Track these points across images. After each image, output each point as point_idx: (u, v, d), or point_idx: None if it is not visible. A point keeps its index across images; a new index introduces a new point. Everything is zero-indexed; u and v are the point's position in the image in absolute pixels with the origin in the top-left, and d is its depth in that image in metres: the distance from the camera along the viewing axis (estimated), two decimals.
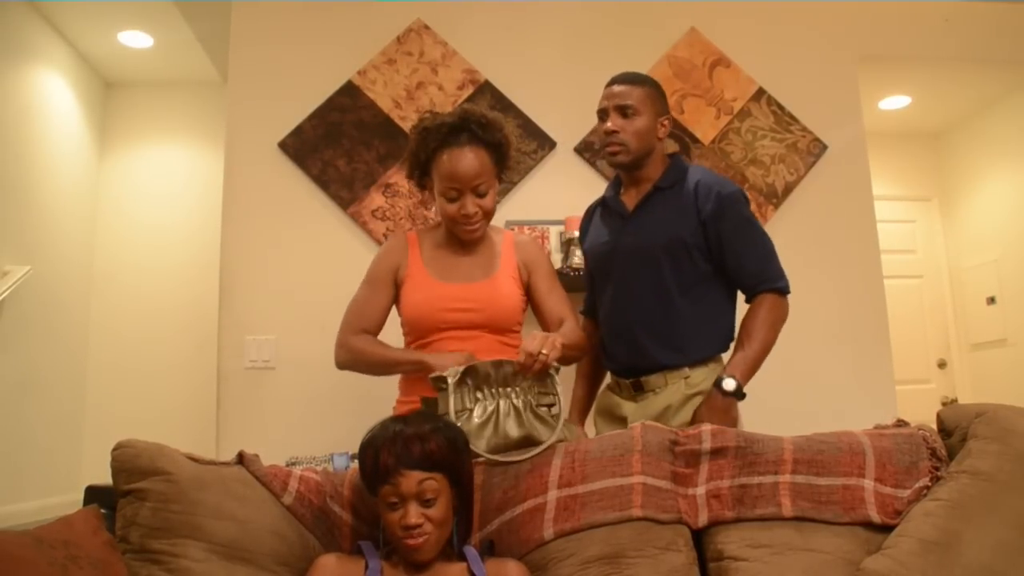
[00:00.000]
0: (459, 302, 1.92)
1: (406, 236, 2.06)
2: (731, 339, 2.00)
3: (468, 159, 1.87)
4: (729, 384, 1.85)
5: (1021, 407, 1.61)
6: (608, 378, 2.15)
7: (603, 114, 2.01)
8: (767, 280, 1.95)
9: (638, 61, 3.15)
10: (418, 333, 1.95)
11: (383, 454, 1.32)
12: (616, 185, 2.13)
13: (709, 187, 1.96)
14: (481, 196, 1.90)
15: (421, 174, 1.98)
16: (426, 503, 1.31)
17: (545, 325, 2.01)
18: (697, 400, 1.92)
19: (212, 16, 3.30)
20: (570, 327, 1.93)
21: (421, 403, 1.70)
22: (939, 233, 4.85)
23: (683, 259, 1.95)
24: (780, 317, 1.95)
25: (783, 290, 1.97)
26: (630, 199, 2.06)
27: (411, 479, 1.30)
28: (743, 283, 1.99)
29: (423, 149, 1.93)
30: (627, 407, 1.99)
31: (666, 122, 2.03)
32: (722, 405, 1.85)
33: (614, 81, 2.03)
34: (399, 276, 2.00)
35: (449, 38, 3.10)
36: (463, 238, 1.97)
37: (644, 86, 2.01)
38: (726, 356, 2.01)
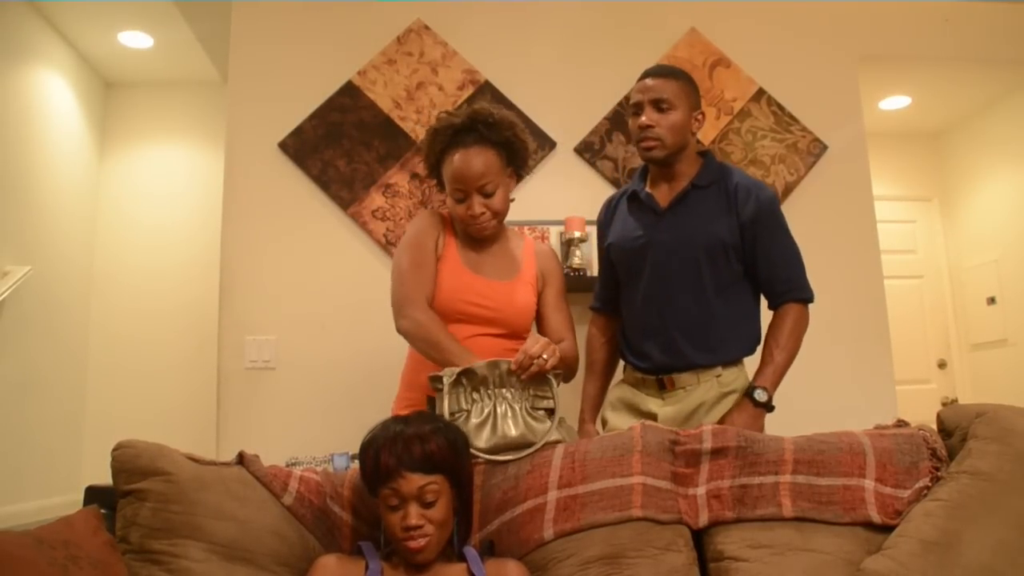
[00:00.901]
0: (481, 297, 1.92)
1: (440, 214, 2.04)
2: (758, 341, 1.99)
3: (473, 159, 1.87)
4: (762, 396, 1.87)
5: (1021, 407, 1.61)
6: (620, 373, 2.13)
7: (637, 108, 1.98)
8: (796, 289, 1.96)
9: (638, 61, 3.12)
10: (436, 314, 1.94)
11: (384, 455, 1.32)
12: (642, 178, 2.09)
13: (748, 189, 1.96)
14: (488, 196, 1.89)
15: (437, 174, 1.98)
16: (427, 505, 1.31)
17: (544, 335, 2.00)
18: (731, 399, 1.93)
19: (212, 16, 3.30)
20: (568, 347, 1.95)
21: (427, 404, 1.70)
22: (939, 233, 4.84)
23: (720, 259, 1.94)
24: (804, 327, 1.96)
25: (809, 300, 1.97)
26: (662, 195, 2.02)
27: (412, 481, 1.30)
28: (772, 289, 1.98)
29: (432, 151, 1.94)
30: (653, 403, 1.97)
31: (700, 116, 2.00)
32: (754, 414, 1.86)
33: (648, 74, 2.00)
34: (439, 249, 1.97)
35: (449, 38, 3.10)
36: (474, 235, 1.97)
37: (679, 80, 1.98)
38: (748, 359, 2.01)
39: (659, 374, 1.96)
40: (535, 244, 2.09)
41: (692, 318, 1.93)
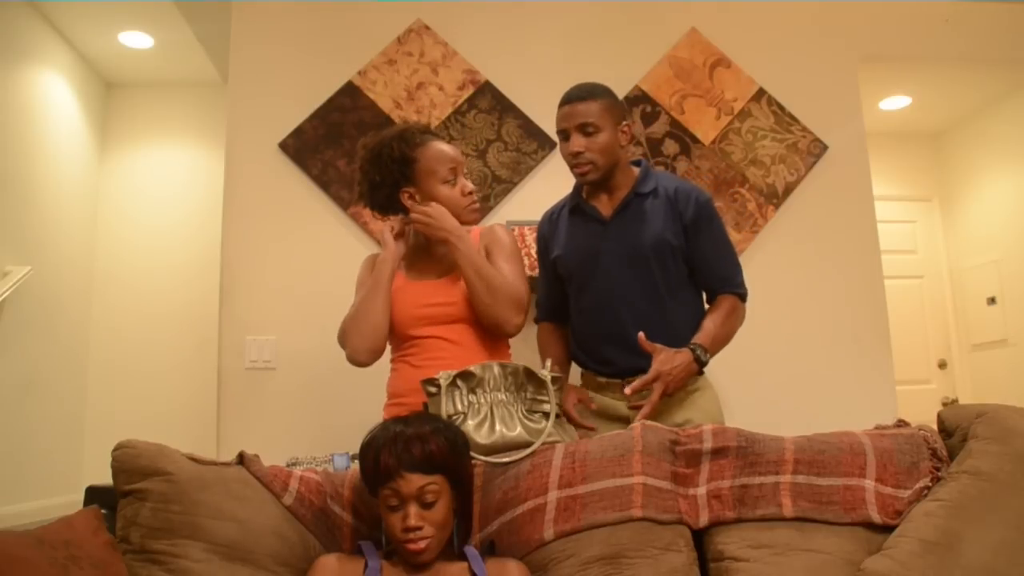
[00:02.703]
0: (433, 297, 1.94)
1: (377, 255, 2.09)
2: None
3: (451, 145, 2.00)
4: (703, 356, 1.91)
5: (1022, 407, 1.61)
6: (581, 378, 2.15)
7: (564, 134, 2.01)
8: (734, 285, 2.05)
9: (638, 61, 3.16)
10: (400, 334, 1.98)
11: (384, 455, 1.32)
12: (579, 191, 2.13)
13: (688, 193, 2.03)
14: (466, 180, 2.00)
15: (401, 183, 1.96)
16: (426, 505, 1.31)
17: None
18: (696, 395, 1.98)
19: (212, 16, 3.30)
20: (504, 278, 1.93)
21: (424, 407, 1.70)
22: (939, 233, 4.85)
23: (669, 261, 2.00)
24: (740, 318, 2.05)
25: (744, 296, 2.06)
26: (603, 205, 2.07)
27: (412, 482, 1.30)
28: (711, 284, 2.06)
29: (408, 146, 1.94)
30: (621, 406, 2.00)
31: (627, 128, 2.03)
32: (689, 365, 1.88)
33: (569, 99, 2.01)
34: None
35: (449, 38, 3.10)
36: (471, 220, 2.00)
37: (600, 99, 2.00)
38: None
39: (624, 377, 1.99)
40: (481, 228, 2.11)
41: (650, 320, 1.96)
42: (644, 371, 1.95)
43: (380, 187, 1.98)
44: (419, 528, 1.29)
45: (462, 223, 1.98)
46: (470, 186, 1.98)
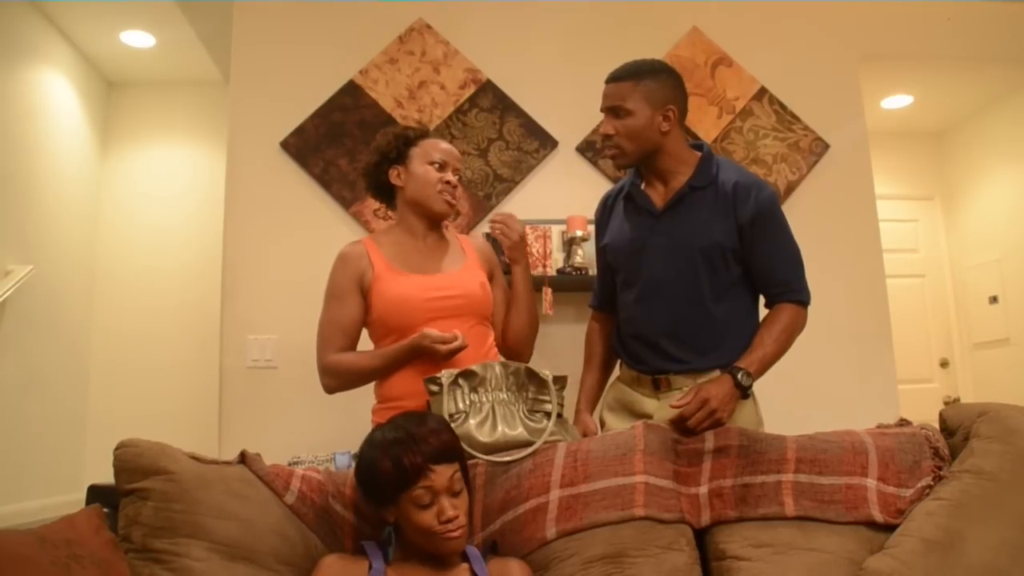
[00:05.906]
0: (439, 290, 1.92)
1: (362, 243, 2.02)
2: None
3: (453, 146, 2.06)
4: (746, 380, 1.77)
5: (1023, 406, 1.61)
6: (618, 370, 2.10)
7: (603, 114, 1.95)
8: (793, 291, 1.90)
9: None
10: (403, 329, 1.90)
11: (407, 456, 1.31)
12: (638, 175, 2.02)
13: (748, 189, 1.88)
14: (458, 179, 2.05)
15: (395, 159, 2.03)
16: (455, 494, 1.33)
17: (497, 332, 2.07)
18: None
19: (214, 16, 3.31)
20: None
21: (427, 405, 1.70)
22: (941, 232, 4.84)
23: (718, 263, 1.88)
24: (799, 328, 1.90)
25: (804, 302, 1.91)
26: (657, 195, 1.96)
27: (442, 473, 1.32)
28: (768, 289, 1.93)
29: (410, 132, 2.05)
30: (649, 404, 1.91)
31: (670, 113, 1.88)
32: (731, 393, 1.74)
33: (608, 78, 1.94)
34: (365, 283, 1.95)
35: (451, 37, 3.10)
36: (439, 210, 2.00)
37: (639, 80, 1.87)
38: None
39: (654, 374, 1.92)
40: (468, 237, 2.15)
41: (685, 323, 1.88)
42: (673, 372, 1.89)
43: (390, 155, 2.05)
44: (456, 517, 1.31)
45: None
46: (453, 178, 2.01)
